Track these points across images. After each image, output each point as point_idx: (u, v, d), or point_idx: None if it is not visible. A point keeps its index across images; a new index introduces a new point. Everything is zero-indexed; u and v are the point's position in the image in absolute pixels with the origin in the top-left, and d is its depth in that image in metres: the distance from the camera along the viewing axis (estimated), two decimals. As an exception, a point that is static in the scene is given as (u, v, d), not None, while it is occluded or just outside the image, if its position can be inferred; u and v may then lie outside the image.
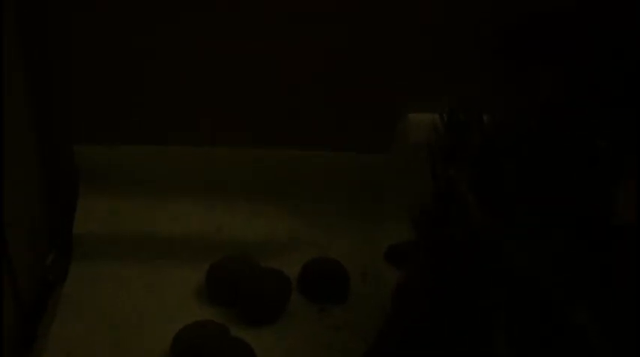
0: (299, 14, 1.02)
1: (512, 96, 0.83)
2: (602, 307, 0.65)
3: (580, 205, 0.66)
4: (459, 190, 0.72)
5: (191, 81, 1.07)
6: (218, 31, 1.03)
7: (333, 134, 1.11)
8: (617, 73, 0.72)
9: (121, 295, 1.04)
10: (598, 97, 0.71)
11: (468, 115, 0.80)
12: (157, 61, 1.05)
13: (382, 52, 1.06)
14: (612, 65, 0.73)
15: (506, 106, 0.82)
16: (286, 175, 1.12)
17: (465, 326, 0.77)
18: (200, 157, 1.11)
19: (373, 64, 1.07)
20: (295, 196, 1.13)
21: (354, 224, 1.13)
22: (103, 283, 1.05)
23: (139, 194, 1.10)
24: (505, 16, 0.98)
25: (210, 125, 1.10)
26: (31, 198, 1.07)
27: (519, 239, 0.68)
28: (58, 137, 1.08)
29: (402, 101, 1.09)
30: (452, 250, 0.74)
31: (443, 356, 0.74)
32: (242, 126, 1.10)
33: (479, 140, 0.75)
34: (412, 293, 0.88)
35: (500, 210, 0.70)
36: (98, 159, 1.09)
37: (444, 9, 1.03)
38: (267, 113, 1.09)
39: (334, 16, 1.03)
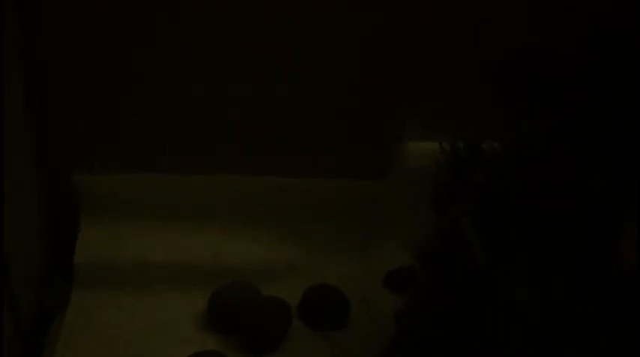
0: (297, 45, 1.04)
1: (511, 130, 0.84)
2: (599, 351, 0.66)
3: (581, 251, 0.68)
4: (463, 229, 0.73)
5: (190, 111, 1.08)
6: (218, 63, 1.04)
7: (331, 161, 1.13)
8: (618, 116, 0.73)
9: (122, 322, 1.04)
10: (600, 140, 0.72)
11: (468, 148, 0.82)
12: (156, 92, 1.06)
13: (381, 80, 1.07)
14: (613, 108, 0.74)
15: (506, 140, 0.84)
16: (285, 202, 1.13)
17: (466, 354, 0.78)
18: (198, 184, 1.12)
19: (371, 92, 1.08)
20: (294, 222, 1.14)
21: (353, 250, 1.15)
22: (103, 310, 1.05)
23: (138, 222, 1.11)
24: (504, 48, 1.00)
25: (208, 153, 1.11)
26: (32, 226, 1.08)
27: (521, 281, 0.69)
28: (58, 167, 1.09)
29: (399, 129, 1.11)
30: (454, 286, 0.75)
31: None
32: (240, 154, 1.11)
33: (481, 179, 0.76)
34: (414, 320, 0.89)
35: (503, 250, 0.71)
36: (98, 188, 1.10)
37: (444, 35, 1.04)
38: (265, 141, 1.11)
39: (334, 45, 1.04)
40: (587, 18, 0.91)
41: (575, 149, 0.75)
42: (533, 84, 0.88)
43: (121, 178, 1.10)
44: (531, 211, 0.72)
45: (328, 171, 1.13)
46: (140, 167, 1.11)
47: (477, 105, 1.00)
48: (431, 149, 0.86)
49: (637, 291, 0.67)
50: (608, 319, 0.68)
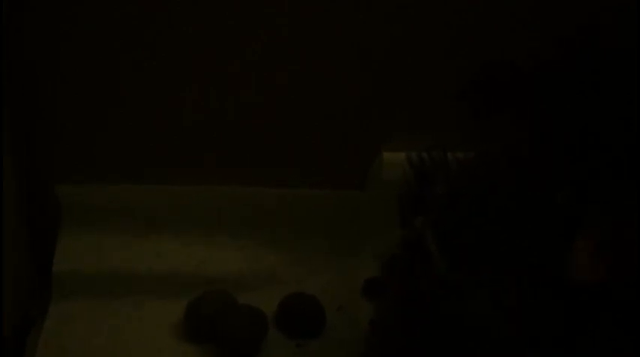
0: (278, 54, 1.05)
1: (480, 142, 0.85)
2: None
3: (539, 261, 0.68)
4: (424, 240, 0.74)
5: (172, 121, 1.09)
6: (202, 75, 1.06)
7: (310, 172, 1.14)
8: (587, 126, 0.74)
9: (102, 331, 1.05)
10: (563, 151, 0.73)
11: (434, 161, 0.82)
12: (139, 102, 1.07)
13: (359, 91, 1.08)
14: (581, 119, 0.75)
15: (475, 152, 0.84)
16: (265, 212, 1.14)
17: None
18: (181, 195, 1.13)
19: (349, 102, 1.09)
20: (273, 232, 1.14)
21: (331, 259, 1.15)
22: (83, 319, 1.06)
23: (119, 231, 1.11)
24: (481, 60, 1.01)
25: (191, 164, 1.12)
26: (14, 235, 1.09)
27: (480, 290, 0.70)
28: (40, 176, 1.10)
29: (377, 139, 1.12)
30: (417, 296, 0.76)
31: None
32: (221, 165, 1.12)
33: (444, 190, 0.77)
34: (385, 331, 0.90)
35: (463, 261, 0.72)
36: (79, 197, 1.11)
37: (423, 49, 1.05)
38: (245, 152, 1.12)
39: (313, 56, 1.05)
40: (560, 30, 0.92)
41: (539, 161, 0.76)
42: (502, 97, 0.89)
43: (103, 188, 1.11)
44: (492, 221, 0.72)
45: (308, 182, 1.14)
46: (122, 177, 1.11)
47: (457, 118, 1.01)
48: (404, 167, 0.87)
49: (595, 303, 0.67)
50: (570, 330, 0.68)
